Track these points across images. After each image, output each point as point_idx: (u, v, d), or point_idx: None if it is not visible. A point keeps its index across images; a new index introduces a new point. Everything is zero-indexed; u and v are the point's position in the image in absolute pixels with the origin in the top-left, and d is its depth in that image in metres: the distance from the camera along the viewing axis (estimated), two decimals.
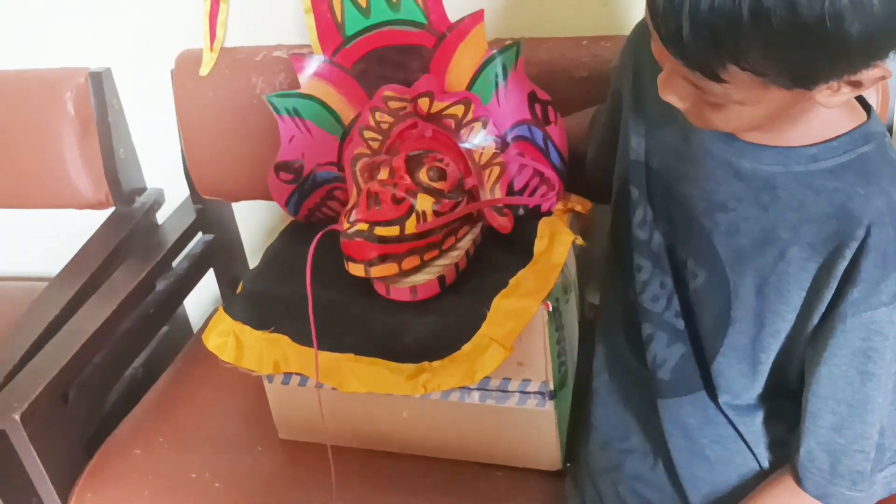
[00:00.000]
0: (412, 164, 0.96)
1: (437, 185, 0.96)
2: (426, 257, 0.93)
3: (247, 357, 0.96)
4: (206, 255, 1.39)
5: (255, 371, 0.96)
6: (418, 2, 1.00)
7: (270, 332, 0.96)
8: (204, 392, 1.19)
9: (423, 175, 0.96)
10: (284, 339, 0.95)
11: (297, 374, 0.96)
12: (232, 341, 0.96)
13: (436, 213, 0.94)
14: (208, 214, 1.38)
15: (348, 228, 0.90)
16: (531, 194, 1.04)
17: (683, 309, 0.82)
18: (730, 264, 0.76)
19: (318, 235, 0.93)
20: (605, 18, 1.12)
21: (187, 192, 1.39)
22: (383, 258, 0.90)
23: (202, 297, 1.48)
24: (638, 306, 0.84)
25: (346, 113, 1.05)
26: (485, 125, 1.00)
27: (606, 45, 1.09)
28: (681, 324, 0.82)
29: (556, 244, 0.98)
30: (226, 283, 1.44)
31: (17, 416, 0.98)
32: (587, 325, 1.07)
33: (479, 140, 1.00)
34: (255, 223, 1.45)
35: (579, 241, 1.00)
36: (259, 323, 0.96)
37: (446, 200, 0.96)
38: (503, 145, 1.01)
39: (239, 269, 1.46)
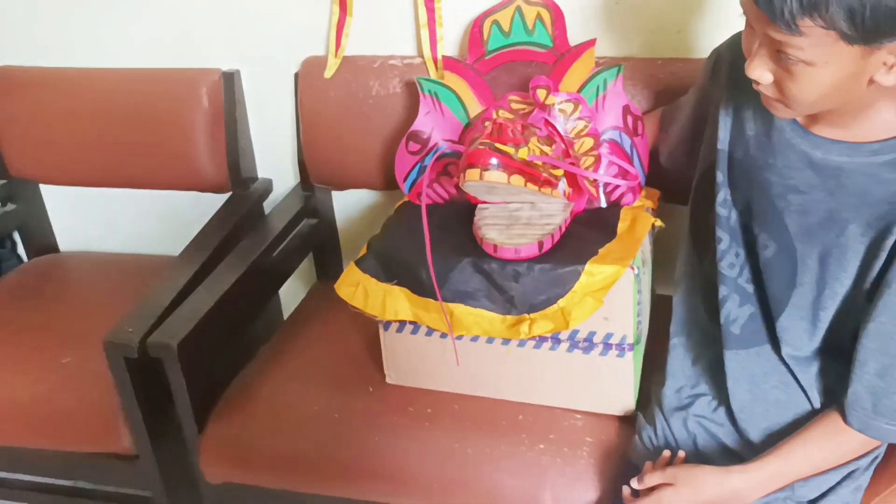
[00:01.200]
0: (526, 132, 1.13)
1: (544, 149, 1.12)
2: (528, 185, 1.07)
3: (371, 304, 1.14)
4: (310, 238, 1.58)
5: (378, 316, 1.14)
6: (548, 30, 1.26)
7: (393, 284, 1.13)
8: (316, 344, 1.36)
9: (533, 142, 1.12)
10: (405, 292, 1.13)
11: (412, 322, 1.14)
12: (361, 291, 1.14)
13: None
14: (313, 202, 1.57)
15: (469, 143, 1.07)
16: (614, 189, 1.22)
17: (754, 275, 0.99)
18: (798, 238, 0.94)
19: (427, 153, 1.13)
20: (680, 43, 1.31)
21: (292, 183, 1.59)
22: (497, 165, 1.04)
23: (295, 280, 1.65)
24: (717, 272, 1.01)
25: (474, 107, 1.27)
26: (587, 124, 1.19)
27: (680, 65, 1.29)
28: (751, 288, 0.99)
29: (638, 224, 1.15)
30: (321, 266, 1.62)
31: (174, 345, 1.16)
32: (654, 302, 1.25)
33: (580, 135, 1.19)
34: (352, 211, 1.63)
35: (658, 222, 1.17)
36: (384, 276, 1.14)
37: (550, 160, 1.13)
38: (599, 144, 1.20)
39: (334, 251, 1.64)
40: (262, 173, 1.63)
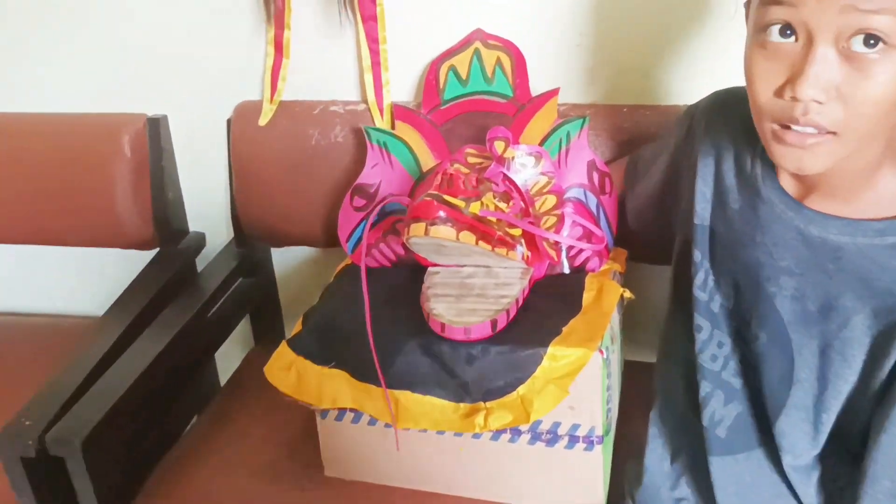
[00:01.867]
0: (481, 186, 1.01)
1: (500, 205, 1.00)
2: (479, 243, 0.95)
3: (306, 390, 1.00)
4: (246, 298, 1.44)
5: (313, 405, 1.00)
6: (509, 79, 1.16)
7: (330, 367, 1.00)
8: (244, 428, 1.21)
9: (490, 195, 1.00)
10: (343, 375, 0.99)
11: (353, 409, 1.00)
12: (294, 375, 1.00)
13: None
14: (249, 259, 1.43)
15: (418, 197, 0.95)
16: (577, 254, 1.10)
17: (743, 368, 0.87)
18: (793, 327, 0.81)
19: (369, 220, 1.01)
20: (646, 89, 1.20)
21: (227, 237, 1.45)
22: (444, 220, 0.92)
23: (232, 342, 1.51)
24: (697, 364, 0.89)
25: (427, 160, 1.16)
26: (549, 180, 1.07)
27: (646, 113, 1.18)
28: (738, 383, 0.87)
29: (605, 295, 1.03)
30: (259, 329, 1.48)
31: (77, 443, 1.01)
32: (625, 372, 1.12)
33: (541, 192, 1.07)
34: (294, 269, 1.49)
35: (627, 293, 1.06)
36: (319, 358, 1.00)
37: (506, 217, 1.01)
38: (562, 201, 1.08)
39: (273, 313, 1.50)
40: (194, 226, 1.49)
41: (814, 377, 0.82)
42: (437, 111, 1.19)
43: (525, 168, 1.06)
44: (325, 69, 1.28)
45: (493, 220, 0.98)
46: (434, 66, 1.20)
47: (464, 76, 1.18)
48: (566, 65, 1.21)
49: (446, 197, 0.94)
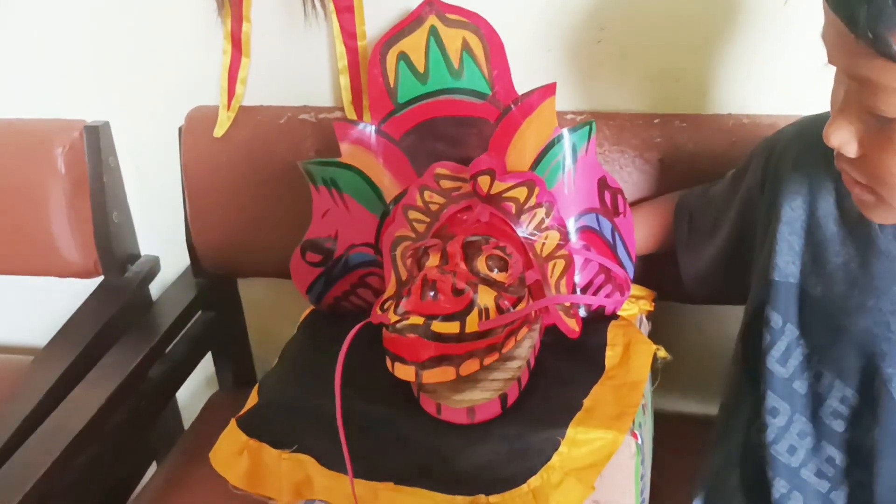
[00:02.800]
0: (468, 251, 0.82)
1: (498, 276, 0.81)
2: (486, 361, 0.78)
3: (263, 481, 0.80)
4: (206, 337, 1.23)
5: (272, 499, 0.80)
6: (483, 70, 0.87)
7: (292, 451, 0.80)
8: (199, 499, 1.02)
9: (481, 264, 0.81)
10: (309, 461, 0.79)
11: (322, 502, 0.80)
12: (245, 461, 0.80)
13: (498, 310, 0.80)
14: (210, 290, 1.23)
15: (397, 321, 0.75)
16: (595, 293, 0.90)
17: (834, 469, 0.69)
18: None
19: (353, 331, 0.78)
20: (679, 96, 0.99)
21: (186, 262, 1.24)
22: (439, 360, 0.74)
23: (195, 382, 1.31)
24: (769, 456, 0.69)
25: (390, 189, 0.91)
26: (548, 212, 0.87)
27: (681, 125, 0.97)
28: (824, 486, 0.68)
29: (634, 356, 0.84)
30: (225, 370, 1.28)
31: None
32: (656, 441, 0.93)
33: (540, 229, 0.87)
34: (263, 302, 1.29)
35: (661, 353, 0.86)
36: (279, 440, 0.80)
37: (508, 295, 0.82)
38: (567, 236, 0.88)
39: (241, 353, 1.30)
40: (147, 250, 1.29)
41: None
42: (391, 120, 0.91)
43: (517, 203, 0.86)
44: (292, 70, 1.08)
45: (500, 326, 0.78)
46: (376, 56, 0.90)
47: (420, 68, 0.90)
48: (568, 60, 1.01)
49: (435, 326, 0.74)
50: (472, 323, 0.75)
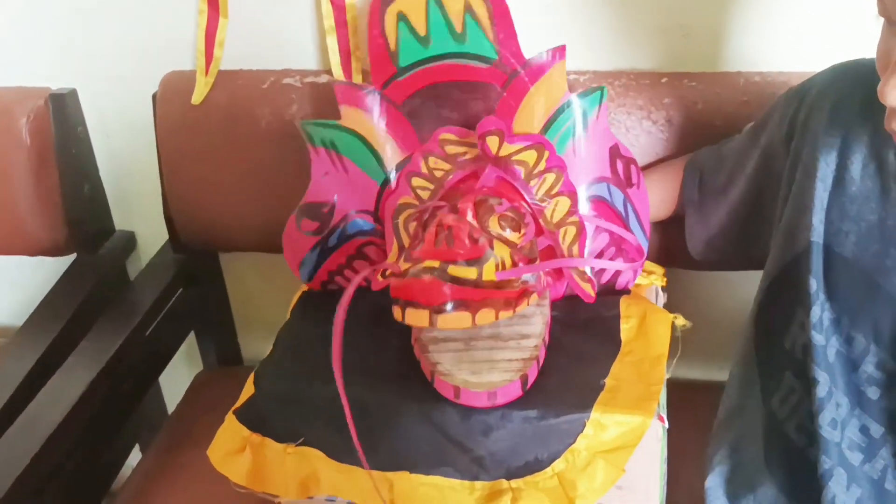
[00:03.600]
0: (480, 211, 0.77)
1: (511, 237, 0.77)
2: (500, 314, 0.73)
3: (267, 478, 0.75)
4: (188, 315, 1.17)
5: (278, 497, 0.75)
6: (487, 33, 0.80)
7: (297, 444, 0.75)
8: (188, 492, 0.98)
9: (493, 224, 0.76)
10: (316, 454, 0.75)
11: (332, 498, 0.76)
12: (247, 458, 0.75)
13: (514, 264, 0.75)
14: (191, 266, 1.16)
15: (409, 268, 0.70)
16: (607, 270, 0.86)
17: (868, 439, 0.66)
18: None
19: (348, 292, 0.71)
20: (687, 53, 0.95)
21: (164, 237, 1.17)
22: (456, 304, 0.69)
23: (177, 362, 1.25)
24: (815, 433, 0.66)
25: (392, 155, 0.86)
26: (558, 178, 0.82)
27: (690, 83, 0.93)
28: (856, 458, 0.65)
29: (652, 328, 0.80)
30: (209, 349, 1.23)
31: None
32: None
33: (550, 195, 0.82)
34: (246, 277, 1.23)
35: (680, 320, 0.83)
36: (282, 433, 0.76)
37: (521, 255, 0.77)
38: (577, 203, 0.84)
39: (225, 331, 1.24)
40: (122, 225, 1.22)
41: None
42: (393, 84, 0.85)
43: (525, 167, 0.81)
44: (274, 31, 1.01)
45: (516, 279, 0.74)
46: (375, 15, 0.83)
47: (421, 31, 0.83)
48: (573, 20, 0.95)
49: (452, 270, 0.69)
50: (489, 271, 0.71)
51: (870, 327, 0.64)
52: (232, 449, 0.76)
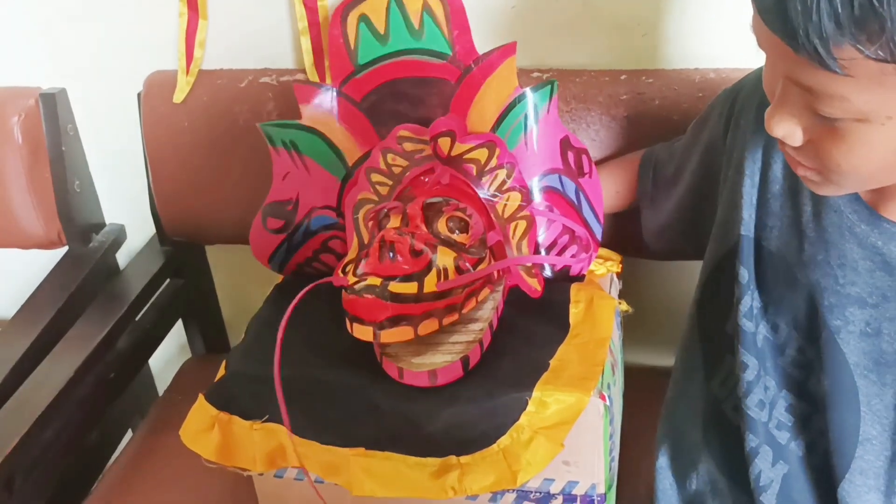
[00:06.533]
0: (429, 213, 0.82)
1: (459, 238, 0.81)
2: (445, 321, 0.78)
3: (236, 453, 0.80)
4: (176, 305, 1.22)
5: (247, 470, 0.80)
6: (443, 30, 0.85)
7: (263, 421, 0.80)
8: (174, 470, 1.02)
9: (441, 226, 0.81)
10: (280, 430, 0.79)
11: (301, 472, 0.80)
12: (216, 435, 0.80)
13: (457, 270, 0.80)
14: (178, 257, 1.21)
15: (356, 283, 0.75)
16: (559, 254, 0.90)
17: (795, 420, 0.69)
18: (862, 371, 0.64)
19: (303, 291, 0.77)
20: (646, 51, 0.98)
21: (153, 230, 1.22)
22: (397, 320, 0.74)
23: (167, 350, 1.31)
24: (742, 413, 0.70)
25: (352, 152, 0.90)
26: (510, 174, 0.86)
27: (648, 80, 0.96)
28: (783, 437, 0.69)
29: (598, 311, 0.84)
30: (196, 336, 1.28)
31: None
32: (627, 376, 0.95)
33: (502, 190, 0.86)
34: (231, 268, 1.28)
35: (623, 306, 0.87)
36: (248, 411, 0.80)
37: (469, 256, 0.81)
38: (529, 197, 0.88)
39: (212, 320, 1.29)
40: (112, 218, 1.27)
41: (887, 436, 0.64)
42: (351, 81, 0.89)
43: (477, 164, 0.85)
44: (251, 32, 1.05)
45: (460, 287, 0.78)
46: (337, 17, 0.89)
47: (381, 30, 0.88)
48: (530, 20, 0.99)
49: (393, 287, 0.73)
50: (431, 283, 0.75)
51: (790, 316, 0.68)
52: (202, 427, 0.80)
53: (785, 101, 0.55)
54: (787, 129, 0.56)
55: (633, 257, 1.00)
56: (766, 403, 0.69)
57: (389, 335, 0.73)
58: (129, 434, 1.26)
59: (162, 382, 1.31)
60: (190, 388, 1.19)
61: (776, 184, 0.68)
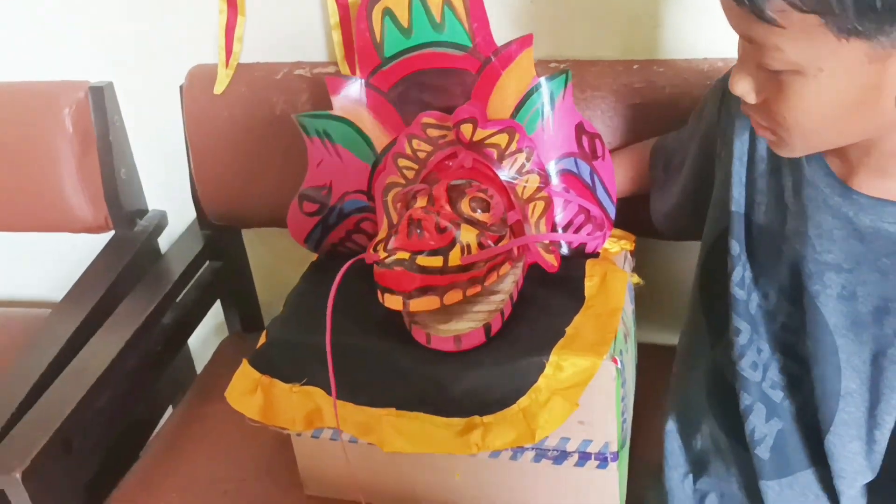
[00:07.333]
0: (453, 194, 0.88)
1: (481, 217, 0.88)
2: (468, 293, 0.84)
3: (276, 413, 0.87)
4: (214, 285, 1.30)
5: (286, 429, 0.87)
6: (464, 23, 0.91)
7: (302, 384, 0.87)
8: (216, 437, 1.10)
9: (465, 206, 0.87)
10: (318, 392, 0.86)
11: (332, 429, 0.87)
12: (259, 397, 0.87)
13: (480, 246, 0.86)
14: (216, 241, 1.29)
15: (386, 257, 0.82)
16: (576, 233, 0.96)
17: (787, 379, 0.75)
18: (840, 331, 0.69)
19: (345, 267, 0.85)
20: (657, 42, 1.04)
21: (193, 215, 1.30)
22: (424, 290, 0.81)
23: (204, 330, 1.38)
24: (737, 374, 0.76)
25: (380, 139, 0.97)
26: (529, 157, 0.92)
27: (659, 70, 1.02)
28: (777, 396, 0.75)
29: (611, 284, 0.90)
30: (233, 315, 1.35)
31: (17, 475, 0.88)
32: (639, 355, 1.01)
33: (521, 173, 0.92)
34: (266, 250, 1.35)
35: (635, 279, 0.93)
36: (289, 375, 0.87)
37: (490, 234, 0.88)
38: (547, 179, 0.94)
39: (248, 300, 1.36)
40: (154, 204, 1.34)
41: (865, 389, 0.70)
42: (379, 73, 0.96)
43: (498, 149, 0.91)
44: (286, 27, 1.12)
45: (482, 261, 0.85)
46: (363, 12, 0.93)
47: (404, 23, 0.93)
48: (546, 13, 1.05)
49: (420, 260, 0.80)
50: (455, 257, 0.82)
51: (778, 285, 0.74)
52: (245, 390, 0.88)
53: (742, 61, 0.62)
54: (744, 88, 0.62)
55: (645, 237, 1.06)
56: (760, 365, 0.75)
57: (417, 304, 0.80)
58: (169, 410, 1.34)
59: (200, 360, 1.39)
60: (227, 364, 1.27)
61: (762, 163, 0.73)
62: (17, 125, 1.22)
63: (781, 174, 0.72)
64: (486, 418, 0.83)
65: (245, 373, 0.88)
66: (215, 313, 1.36)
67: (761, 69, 0.59)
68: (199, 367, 1.39)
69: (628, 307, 0.92)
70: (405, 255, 0.80)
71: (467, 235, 0.83)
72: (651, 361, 1.06)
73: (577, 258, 0.96)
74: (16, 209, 1.27)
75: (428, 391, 0.84)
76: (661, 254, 1.13)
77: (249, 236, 1.33)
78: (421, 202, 0.88)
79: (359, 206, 1.00)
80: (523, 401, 0.81)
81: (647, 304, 1.08)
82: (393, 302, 0.81)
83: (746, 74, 0.62)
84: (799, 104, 0.59)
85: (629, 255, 0.99)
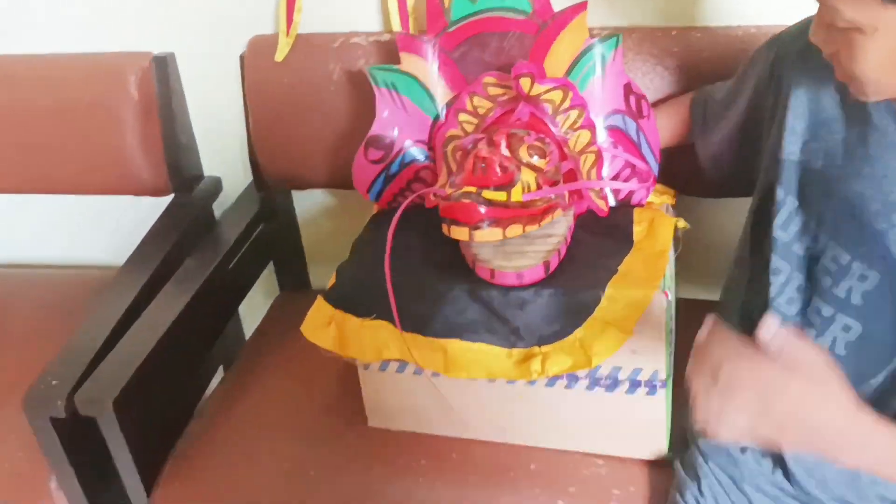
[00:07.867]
0: (512, 141, 0.94)
1: (537, 163, 0.94)
2: (527, 228, 0.90)
3: (348, 345, 0.94)
4: (269, 245, 1.37)
5: (358, 359, 0.95)
6: None
7: (372, 318, 0.94)
8: (281, 376, 1.17)
9: (523, 152, 0.94)
10: (386, 326, 0.94)
11: (399, 360, 0.95)
12: (333, 330, 0.94)
13: (538, 187, 0.93)
14: (270, 204, 1.36)
15: (453, 192, 0.88)
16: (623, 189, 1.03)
17: (819, 319, 0.82)
18: None
19: (407, 201, 0.92)
20: (695, 9, 1.11)
21: (244, 182, 1.37)
22: (489, 222, 0.87)
23: (253, 296, 1.45)
24: (774, 310, 0.83)
25: (443, 94, 1.05)
26: (580, 114, 1.00)
27: (697, 35, 1.09)
28: (811, 334, 0.81)
29: (658, 229, 0.97)
30: (285, 275, 1.42)
31: (109, 403, 0.95)
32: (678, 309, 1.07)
33: (574, 129, 1.00)
34: (318, 213, 1.42)
35: (681, 223, 0.99)
36: (359, 310, 0.95)
37: (547, 178, 0.95)
38: (596, 135, 1.01)
39: (298, 260, 1.44)
40: (209, 171, 1.41)
41: None
42: (444, 35, 1.04)
43: (553, 104, 0.99)
44: None
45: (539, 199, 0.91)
46: None
47: None
48: None
49: (486, 194, 0.86)
50: (517, 194, 0.88)
51: (831, 227, 0.80)
52: (320, 323, 0.95)
53: (819, 19, 0.70)
54: (819, 39, 0.70)
55: (684, 195, 1.13)
56: (797, 302, 0.82)
57: (482, 235, 0.86)
58: (220, 371, 1.40)
59: (247, 323, 1.45)
60: (281, 320, 1.34)
61: (823, 113, 0.80)
62: (86, 94, 1.29)
63: (847, 122, 0.78)
64: (545, 348, 0.90)
65: (320, 307, 0.95)
66: (263, 279, 1.42)
67: (831, 26, 0.67)
68: (248, 329, 1.45)
69: (671, 253, 0.99)
70: (472, 188, 0.87)
71: (527, 176, 0.90)
72: (688, 317, 1.12)
73: (625, 208, 1.03)
74: (85, 173, 1.34)
75: (491, 322, 0.91)
76: (699, 212, 1.20)
77: (298, 199, 1.40)
78: (482, 148, 0.95)
79: (419, 156, 1.07)
80: (579, 331, 0.89)
81: (684, 260, 1.15)
82: (459, 233, 0.87)
83: (822, 28, 0.70)
84: (860, 57, 0.66)
85: (670, 208, 1.06)
